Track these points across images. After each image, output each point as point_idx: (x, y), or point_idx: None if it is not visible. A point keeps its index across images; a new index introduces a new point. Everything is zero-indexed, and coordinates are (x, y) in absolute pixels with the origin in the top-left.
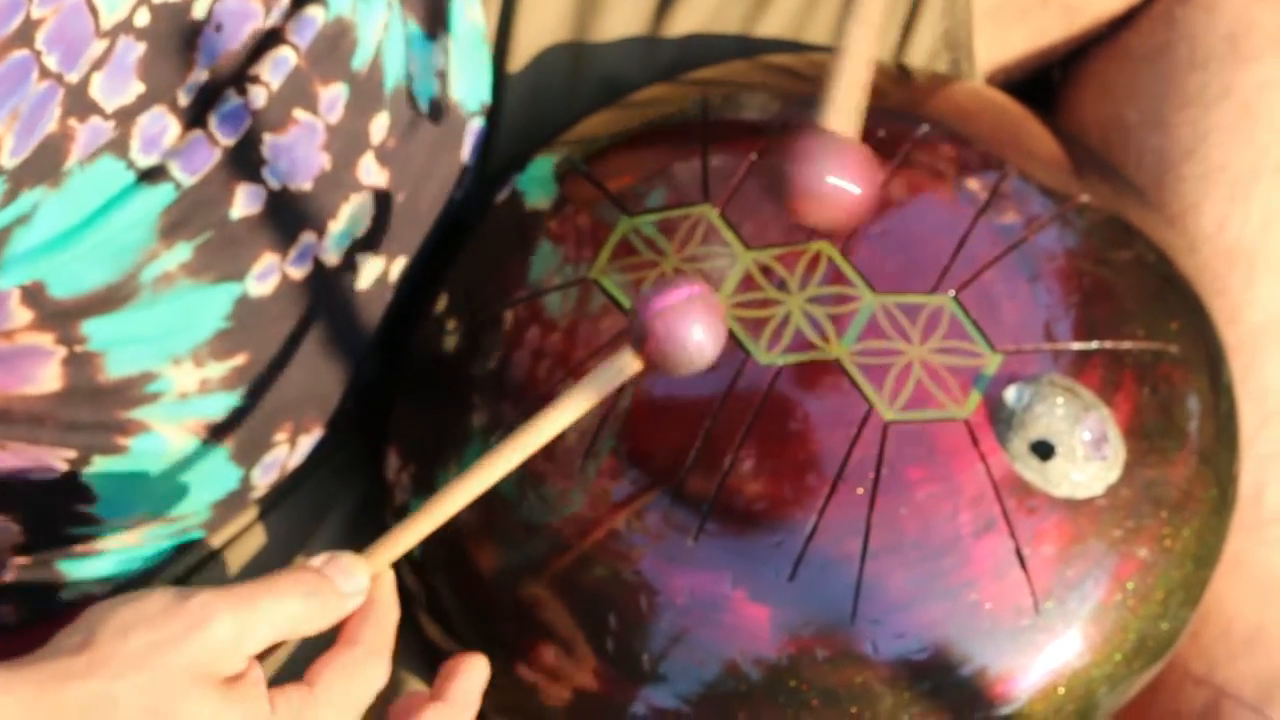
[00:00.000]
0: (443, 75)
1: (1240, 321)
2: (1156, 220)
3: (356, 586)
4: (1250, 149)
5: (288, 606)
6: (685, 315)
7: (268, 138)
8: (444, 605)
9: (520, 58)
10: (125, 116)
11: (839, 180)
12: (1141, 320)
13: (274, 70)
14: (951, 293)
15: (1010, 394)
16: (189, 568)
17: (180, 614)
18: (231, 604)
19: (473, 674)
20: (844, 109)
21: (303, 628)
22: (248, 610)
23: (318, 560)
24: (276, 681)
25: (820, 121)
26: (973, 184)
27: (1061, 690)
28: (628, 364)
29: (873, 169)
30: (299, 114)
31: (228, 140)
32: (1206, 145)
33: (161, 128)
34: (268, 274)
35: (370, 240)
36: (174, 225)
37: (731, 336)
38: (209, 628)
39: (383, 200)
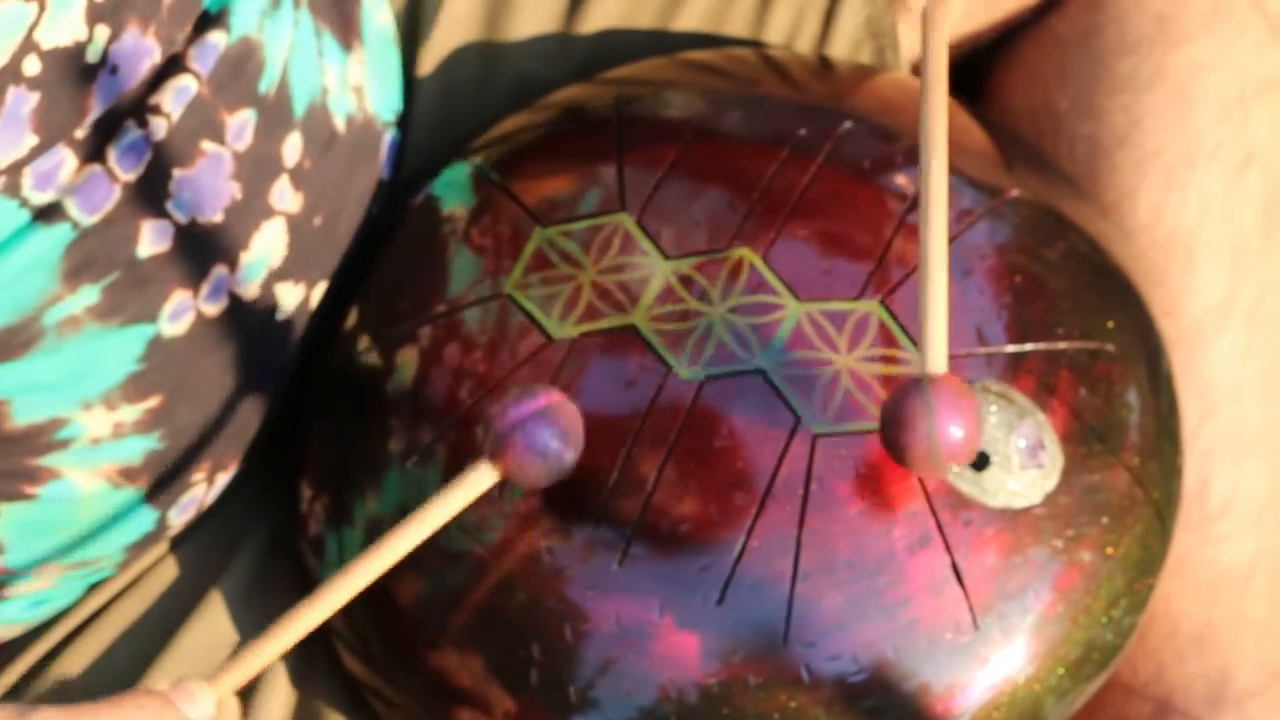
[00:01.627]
0: (358, 90)
1: (1179, 313)
2: (1090, 211)
3: (202, 715)
4: (1184, 134)
5: None
6: (542, 425)
7: (176, 173)
8: (364, 638)
9: (430, 59)
10: (17, 168)
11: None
12: (1077, 318)
13: (175, 100)
14: (878, 298)
15: None
16: (97, 609)
17: None
18: None
19: None
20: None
21: None
22: None
23: (164, 685)
24: None
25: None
26: (899, 181)
27: (1005, 706)
28: (484, 476)
29: None
30: (207, 145)
31: (128, 175)
32: (1140, 131)
33: (57, 161)
34: (181, 312)
35: (288, 268)
36: (78, 268)
37: (652, 351)
38: None
39: (298, 225)
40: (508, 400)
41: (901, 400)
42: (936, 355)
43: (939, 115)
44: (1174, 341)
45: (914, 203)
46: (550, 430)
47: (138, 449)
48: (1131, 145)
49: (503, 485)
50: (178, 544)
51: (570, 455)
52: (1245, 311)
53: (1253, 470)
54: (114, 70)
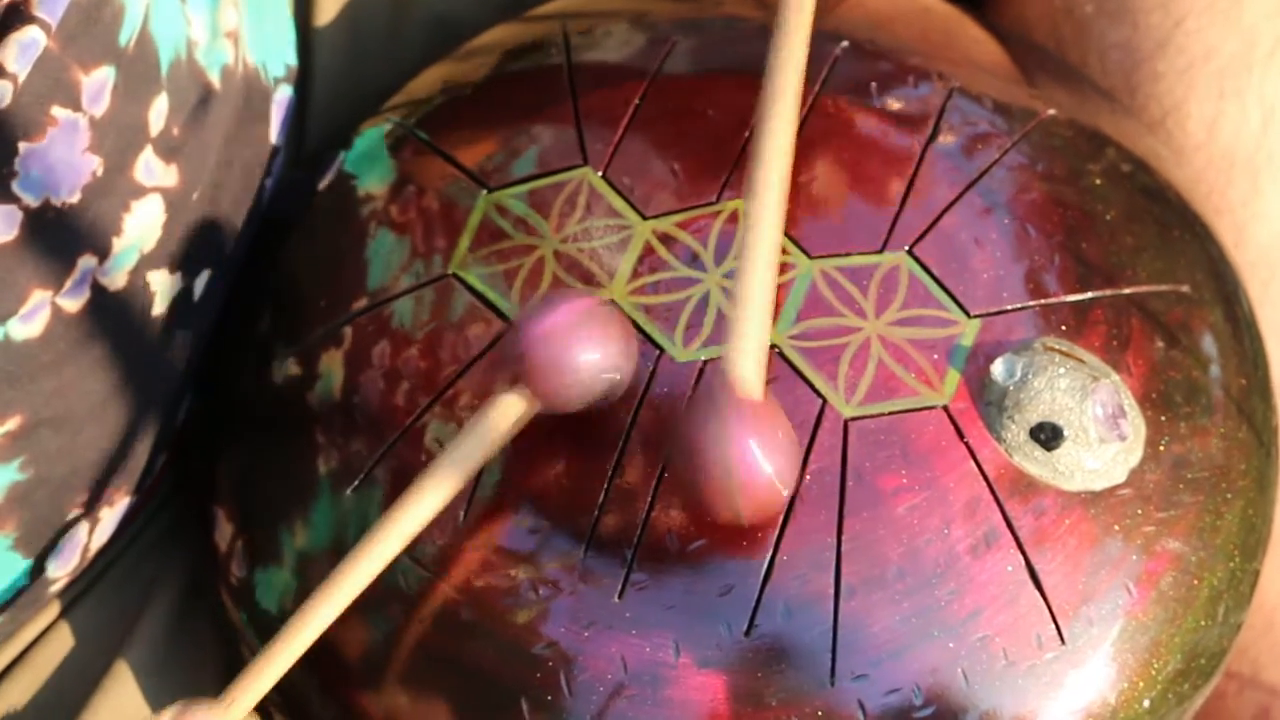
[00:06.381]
0: (234, 36)
1: (1247, 243)
2: (1135, 129)
3: None
4: (1236, 32)
5: None
6: (572, 335)
7: (22, 147)
8: (307, 704)
9: (330, 6)
10: None
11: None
12: (1143, 256)
13: (20, 57)
14: (906, 247)
15: (998, 368)
16: None
17: None
18: None
19: None
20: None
21: None
22: None
23: (168, 714)
24: None
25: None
26: (912, 107)
27: None
28: (510, 406)
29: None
30: (58, 112)
31: None
32: (1183, 32)
33: None
34: (35, 311)
35: (162, 253)
36: None
37: (638, 330)
38: None
39: (175, 202)
40: (526, 310)
41: (689, 423)
42: (747, 371)
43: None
44: (1243, 278)
45: (934, 131)
46: (580, 339)
47: None
48: (1174, 49)
49: (467, 502)
50: (72, 605)
51: (611, 367)
52: None
53: None
54: None
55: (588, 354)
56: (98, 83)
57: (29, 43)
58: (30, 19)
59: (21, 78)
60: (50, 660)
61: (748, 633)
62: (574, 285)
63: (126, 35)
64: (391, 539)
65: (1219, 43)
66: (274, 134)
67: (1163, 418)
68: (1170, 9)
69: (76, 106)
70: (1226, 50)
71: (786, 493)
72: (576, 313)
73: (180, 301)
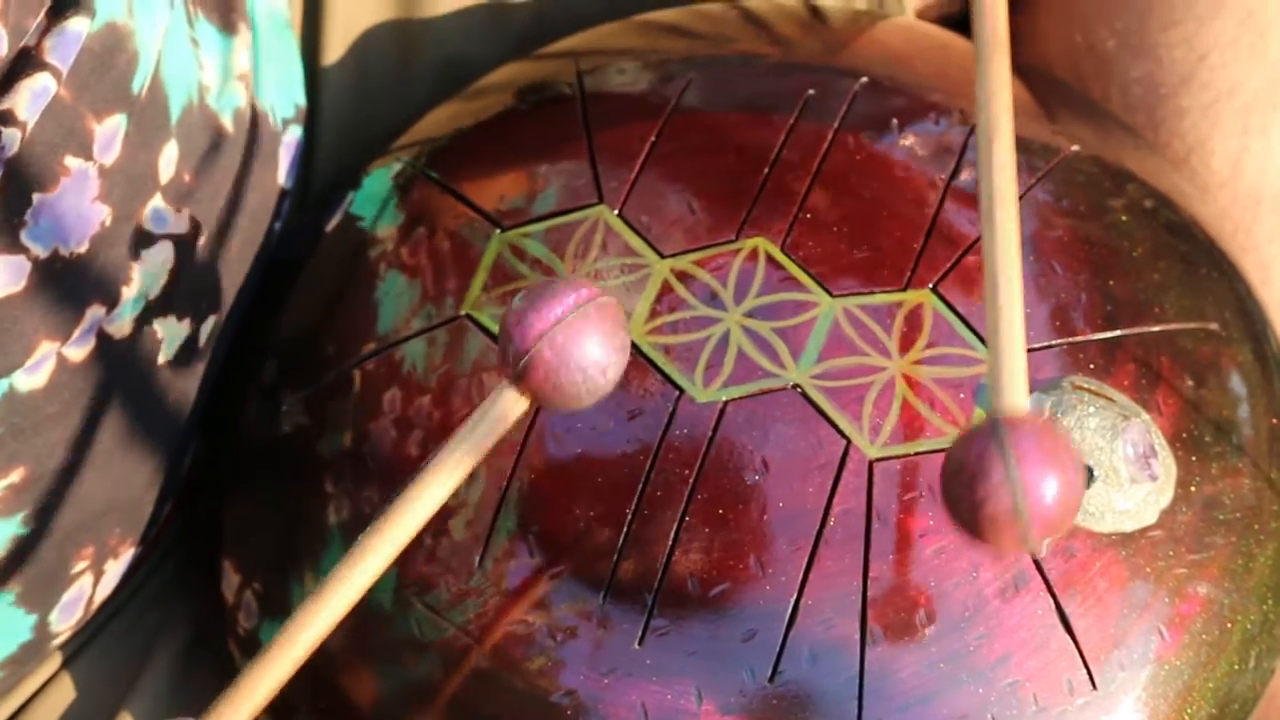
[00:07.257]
0: (246, 79)
1: (1273, 281)
2: (1159, 165)
3: None
4: (1261, 68)
5: None
6: (579, 330)
7: (36, 198)
8: None
9: (337, 46)
10: None
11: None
12: (1171, 293)
13: (31, 104)
14: (930, 285)
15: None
16: None
17: None
18: None
19: None
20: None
21: None
22: None
23: None
24: None
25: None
26: (933, 144)
27: None
28: (510, 404)
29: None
30: (71, 162)
31: None
32: (1207, 68)
33: None
34: (41, 361)
35: (168, 300)
36: None
37: (657, 371)
38: None
39: (184, 249)
40: (527, 303)
41: (968, 447)
42: (1013, 390)
43: (999, 79)
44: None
45: (956, 167)
46: (588, 335)
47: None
48: (1198, 85)
49: (482, 547)
50: (74, 656)
51: (615, 365)
52: None
53: None
54: None
55: (590, 347)
56: (109, 131)
57: (40, 90)
58: (42, 65)
59: (31, 125)
60: (52, 712)
61: (772, 679)
62: None
63: (139, 83)
64: (380, 550)
65: (1244, 78)
66: (282, 176)
67: (1193, 458)
68: (1194, 44)
69: (88, 156)
70: (1251, 86)
71: (1077, 514)
72: (575, 302)
73: (186, 348)
